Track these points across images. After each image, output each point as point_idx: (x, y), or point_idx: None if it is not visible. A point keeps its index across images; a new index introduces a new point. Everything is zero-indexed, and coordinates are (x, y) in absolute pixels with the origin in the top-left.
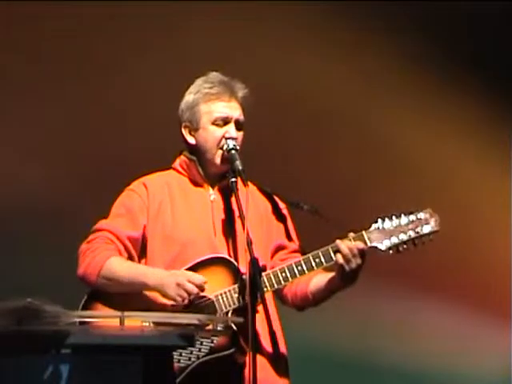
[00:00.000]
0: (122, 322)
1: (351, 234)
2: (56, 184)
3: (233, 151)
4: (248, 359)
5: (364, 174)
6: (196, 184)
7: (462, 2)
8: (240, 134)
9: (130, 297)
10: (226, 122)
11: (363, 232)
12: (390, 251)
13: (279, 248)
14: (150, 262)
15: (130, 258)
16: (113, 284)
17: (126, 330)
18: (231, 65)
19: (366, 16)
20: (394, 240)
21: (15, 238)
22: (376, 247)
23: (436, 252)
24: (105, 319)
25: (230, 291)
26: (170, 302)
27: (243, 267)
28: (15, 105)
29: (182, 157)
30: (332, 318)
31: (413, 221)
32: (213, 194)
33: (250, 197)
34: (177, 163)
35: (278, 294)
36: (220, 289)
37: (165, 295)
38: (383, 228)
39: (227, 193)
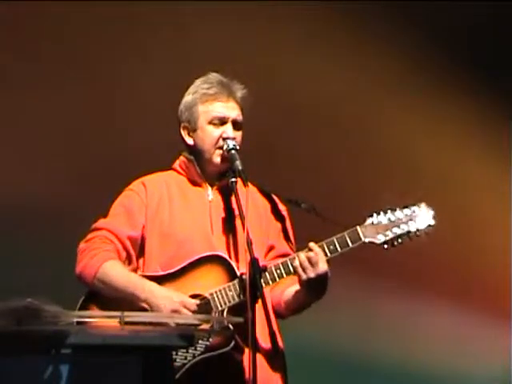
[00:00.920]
0: (121, 322)
1: (311, 244)
2: (56, 184)
3: (233, 151)
4: (244, 357)
5: (364, 174)
6: (194, 184)
7: (462, 2)
8: (238, 134)
9: (125, 300)
10: (223, 122)
11: (357, 227)
12: (385, 246)
13: (270, 249)
14: (148, 260)
15: (129, 257)
16: (106, 288)
17: (126, 330)
18: (232, 66)
19: (367, 17)
20: (389, 234)
21: (15, 238)
22: (371, 242)
23: (436, 252)
24: (104, 319)
25: (224, 289)
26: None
27: (242, 267)
28: (15, 105)
29: (182, 157)
30: (332, 318)
31: (407, 215)
32: (211, 194)
33: (249, 197)
34: (176, 164)
35: None
36: (215, 287)
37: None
38: (378, 222)
39: (226, 192)
